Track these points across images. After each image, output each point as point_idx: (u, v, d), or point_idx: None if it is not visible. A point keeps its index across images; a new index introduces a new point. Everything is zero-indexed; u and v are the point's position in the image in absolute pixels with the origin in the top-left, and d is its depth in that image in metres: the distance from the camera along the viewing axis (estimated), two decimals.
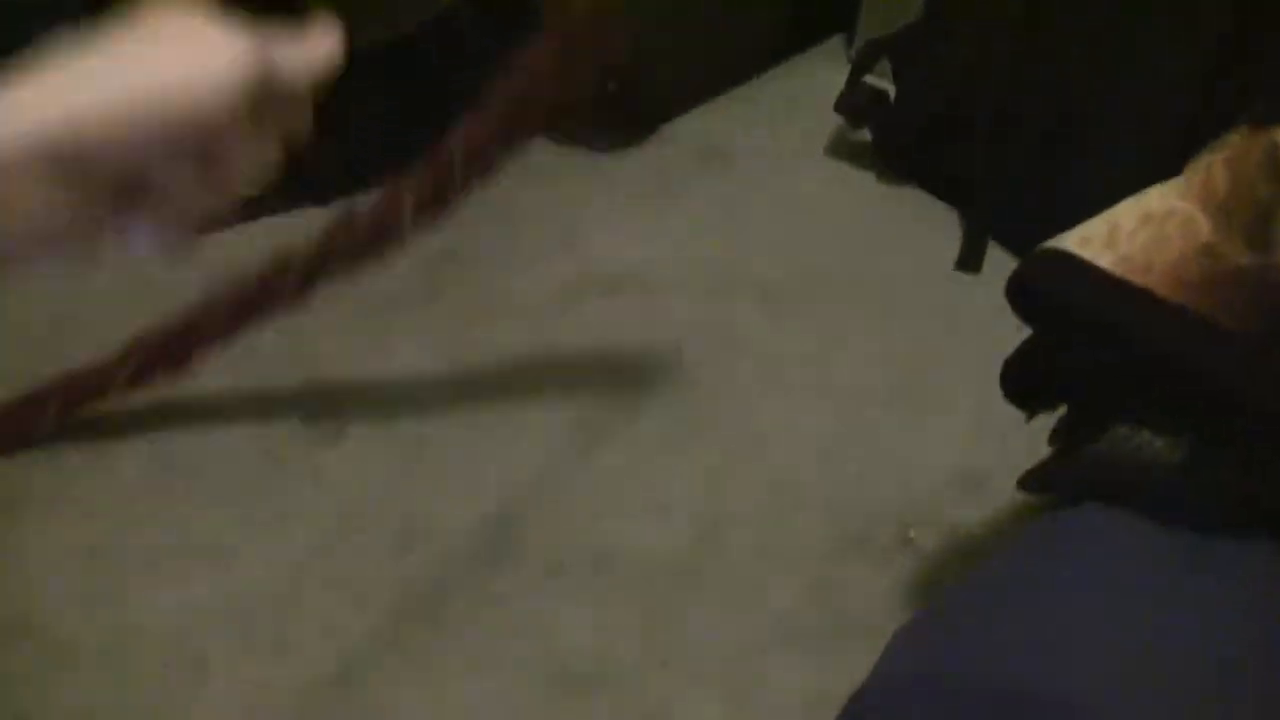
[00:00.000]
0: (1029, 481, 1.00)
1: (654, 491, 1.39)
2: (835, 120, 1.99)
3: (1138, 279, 0.91)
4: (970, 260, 1.73)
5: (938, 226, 1.82)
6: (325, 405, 1.48)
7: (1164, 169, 0.99)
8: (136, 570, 1.30)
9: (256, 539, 1.34)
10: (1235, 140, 0.94)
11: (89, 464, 1.41)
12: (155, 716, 1.17)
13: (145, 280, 1.68)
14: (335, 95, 1.89)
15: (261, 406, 1.48)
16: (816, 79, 2.12)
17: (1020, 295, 1.00)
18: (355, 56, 1.81)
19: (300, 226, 1.81)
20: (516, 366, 1.54)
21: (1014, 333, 1.05)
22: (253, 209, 1.84)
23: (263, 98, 0.58)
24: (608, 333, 1.61)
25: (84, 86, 0.53)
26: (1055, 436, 1.03)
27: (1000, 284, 1.00)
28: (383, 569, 1.31)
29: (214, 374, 1.46)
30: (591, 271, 1.69)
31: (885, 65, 1.92)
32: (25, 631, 1.24)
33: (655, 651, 1.23)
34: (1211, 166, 0.94)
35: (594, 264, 1.68)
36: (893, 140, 1.94)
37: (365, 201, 1.34)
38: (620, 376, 1.55)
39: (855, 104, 1.95)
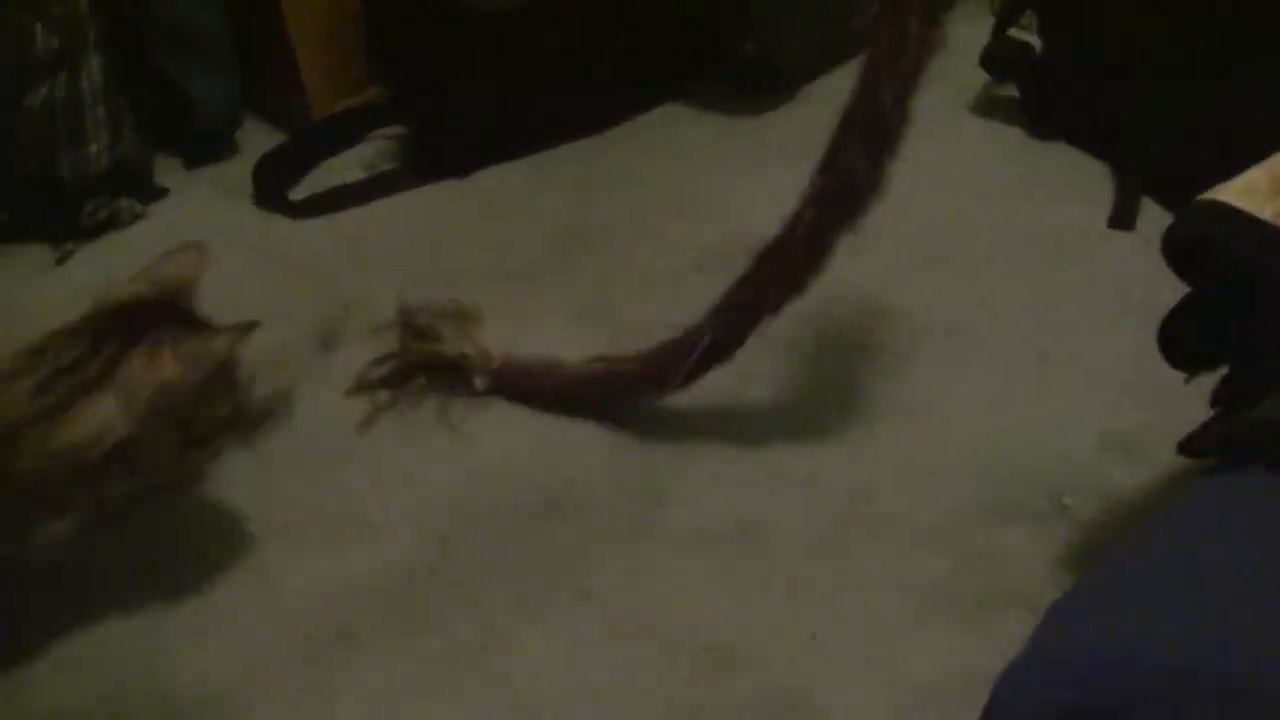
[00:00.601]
0: (1189, 446, 0.96)
1: (799, 460, 1.37)
2: (980, 76, 1.94)
3: None
4: (1124, 217, 1.68)
5: (1089, 183, 1.77)
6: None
7: None
8: (281, 543, 1.31)
9: (399, 509, 1.34)
10: None
11: None
12: (301, 691, 1.17)
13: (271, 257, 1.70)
14: (462, 73, 1.89)
15: None
16: (960, 34, 2.07)
17: (1177, 251, 0.96)
18: (475, 31, 1.80)
19: (437, 196, 1.83)
20: (656, 334, 1.53)
21: (1171, 291, 1.01)
22: (393, 182, 1.85)
23: None
24: None
25: None
26: (1216, 398, 0.98)
27: (1156, 241, 0.96)
28: (525, 539, 1.30)
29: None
30: (734, 235, 1.66)
31: (1030, 17, 1.86)
32: (172, 603, 1.25)
33: (800, 625, 1.20)
34: None
35: (736, 228, 1.65)
36: (1041, 95, 1.89)
37: None
38: (763, 342, 1.52)
39: (1000, 59, 1.90)
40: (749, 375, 1.47)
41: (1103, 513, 1.28)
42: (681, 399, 1.43)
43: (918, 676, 1.14)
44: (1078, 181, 1.77)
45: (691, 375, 1.35)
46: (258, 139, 1.93)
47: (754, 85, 1.96)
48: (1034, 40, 1.88)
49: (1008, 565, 1.23)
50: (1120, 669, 0.72)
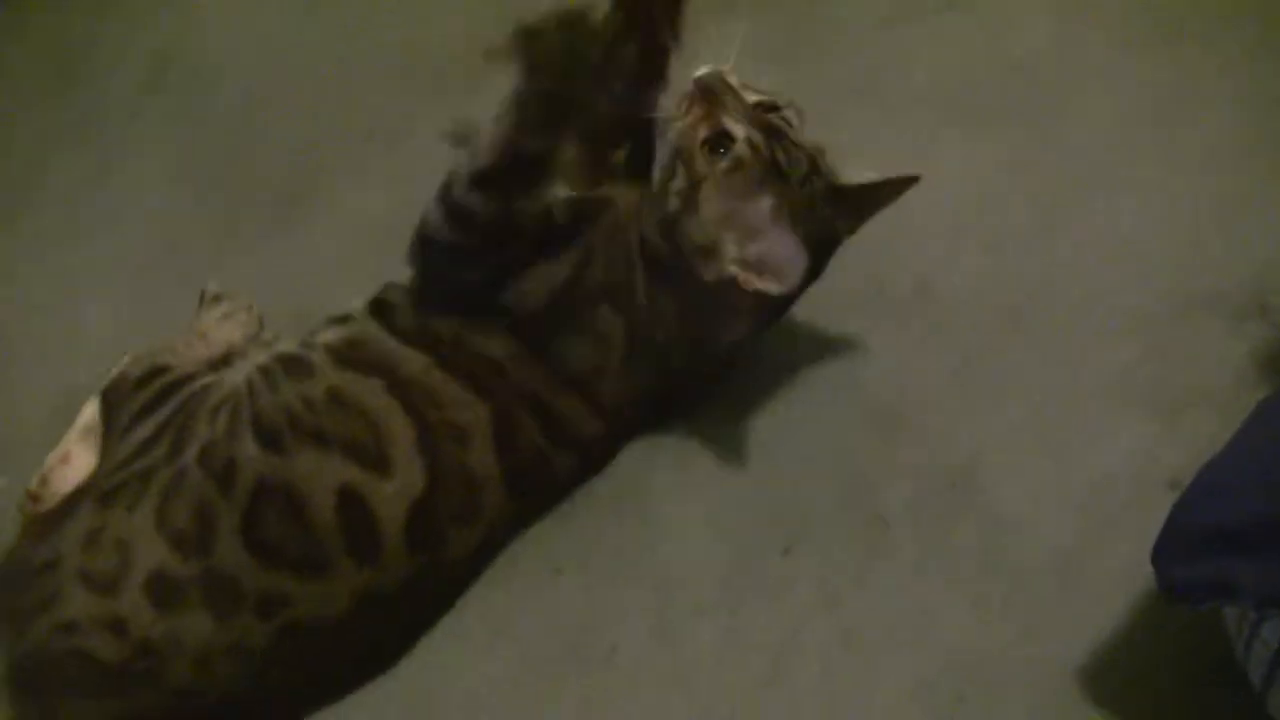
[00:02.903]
0: None
1: (984, 219, 1.30)
2: None
3: None
4: None
5: None
6: None
7: None
8: None
9: None
10: None
11: None
12: None
13: None
14: None
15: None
16: None
17: None
18: None
19: None
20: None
21: None
22: None
23: None
24: (945, 48, 1.49)
25: None
26: None
27: None
28: None
29: None
30: None
31: None
32: None
33: (969, 394, 1.15)
34: None
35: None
36: None
37: None
38: (962, 94, 1.42)
39: None
40: (940, 121, 1.38)
41: None
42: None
43: (1091, 467, 1.09)
44: None
45: None
46: None
47: None
48: None
49: (1200, 360, 1.16)
50: None
